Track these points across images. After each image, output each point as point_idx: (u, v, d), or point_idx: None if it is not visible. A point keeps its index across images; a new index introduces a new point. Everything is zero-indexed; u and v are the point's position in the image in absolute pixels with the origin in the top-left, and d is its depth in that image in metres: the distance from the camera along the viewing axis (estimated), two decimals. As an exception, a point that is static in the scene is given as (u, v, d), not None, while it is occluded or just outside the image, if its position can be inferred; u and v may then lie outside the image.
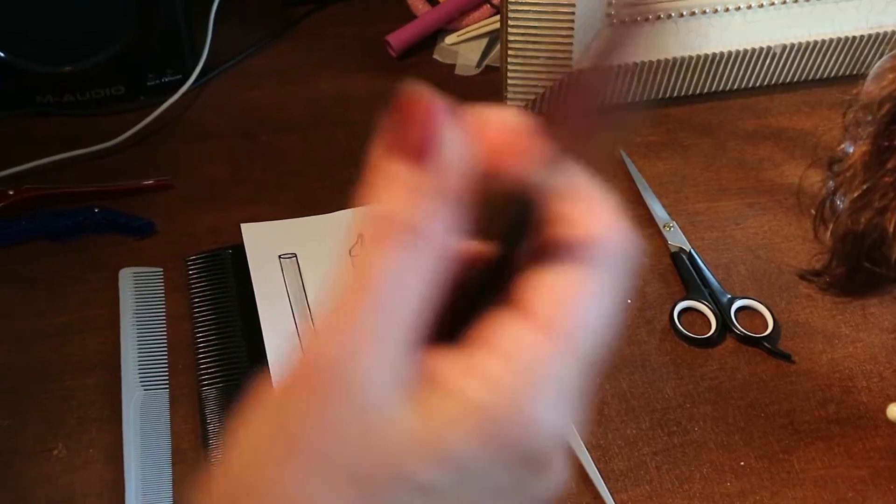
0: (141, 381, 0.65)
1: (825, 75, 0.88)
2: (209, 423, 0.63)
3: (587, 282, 0.27)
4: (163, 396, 0.65)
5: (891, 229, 0.46)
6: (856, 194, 0.48)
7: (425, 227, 0.26)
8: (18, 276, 0.72)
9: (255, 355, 0.67)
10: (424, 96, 0.27)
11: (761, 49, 0.85)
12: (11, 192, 0.76)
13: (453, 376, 0.26)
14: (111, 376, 0.66)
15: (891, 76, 0.46)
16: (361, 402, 0.25)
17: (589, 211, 0.28)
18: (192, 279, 0.71)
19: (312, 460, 0.25)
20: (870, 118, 0.48)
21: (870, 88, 0.48)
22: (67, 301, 0.71)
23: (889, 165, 0.46)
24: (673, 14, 0.83)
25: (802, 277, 0.55)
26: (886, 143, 0.47)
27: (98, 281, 0.72)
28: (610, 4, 0.81)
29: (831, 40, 0.85)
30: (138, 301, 0.70)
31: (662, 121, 0.87)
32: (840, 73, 0.89)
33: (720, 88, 0.88)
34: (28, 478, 0.61)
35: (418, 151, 0.26)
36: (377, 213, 0.27)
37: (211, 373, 0.65)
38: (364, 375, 0.25)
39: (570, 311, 0.27)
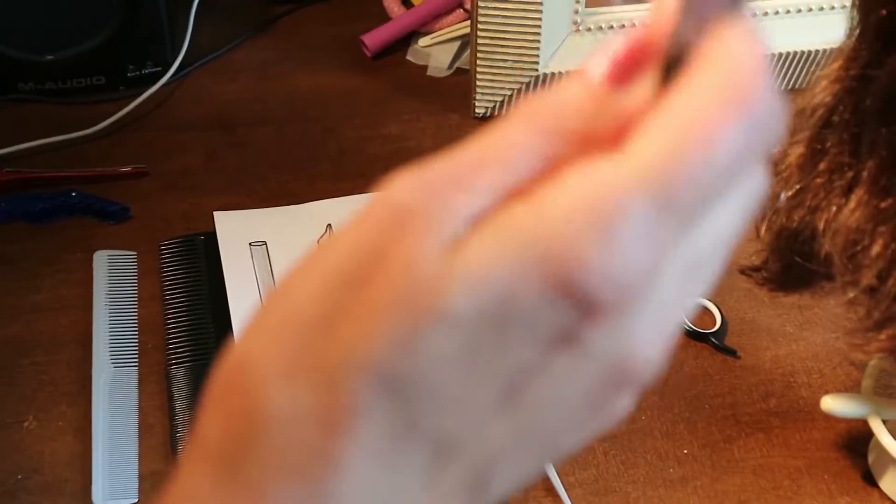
0: (111, 359, 0.67)
1: (804, 86, 0.91)
2: (176, 401, 0.65)
3: (697, 117, 0.23)
4: (132, 374, 0.67)
5: (821, 227, 0.49)
6: (790, 193, 0.51)
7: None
8: (-4, 256, 0.75)
9: (222, 337, 0.69)
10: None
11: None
12: (-9, 175, 0.78)
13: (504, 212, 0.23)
14: (83, 353, 0.68)
15: (824, 83, 0.49)
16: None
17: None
18: (165, 263, 0.74)
19: None
20: (805, 123, 0.51)
21: (805, 95, 0.51)
22: (42, 281, 0.73)
23: (820, 167, 0.50)
24: (637, 23, 0.86)
25: (742, 272, 0.58)
26: (819, 147, 0.50)
27: (73, 262, 0.74)
28: (577, 13, 0.84)
29: (809, 52, 0.88)
30: (111, 283, 0.72)
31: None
32: (796, 86, 0.92)
33: (682, 96, 0.91)
34: (-1, 447, 0.63)
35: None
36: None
37: (179, 353, 0.68)
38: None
39: (671, 149, 0.23)
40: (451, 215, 0.23)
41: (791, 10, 0.88)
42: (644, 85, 0.24)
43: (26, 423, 0.64)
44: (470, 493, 0.25)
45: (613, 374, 0.24)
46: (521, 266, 0.22)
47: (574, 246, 0.22)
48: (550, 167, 0.24)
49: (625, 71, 0.25)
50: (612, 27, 0.86)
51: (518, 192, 0.24)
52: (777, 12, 0.88)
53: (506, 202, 0.24)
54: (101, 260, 0.74)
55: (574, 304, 0.23)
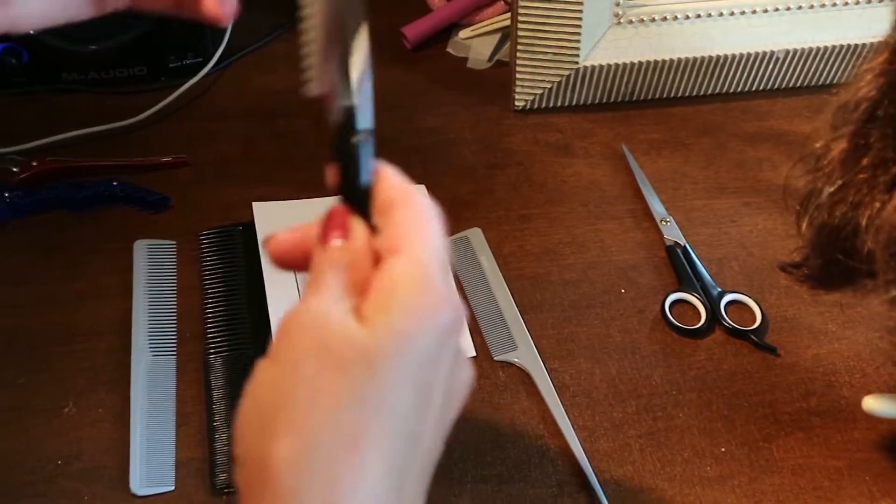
0: (150, 347, 0.68)
1: (827, 81, 0.90)
2: (213, 390, 0.65)
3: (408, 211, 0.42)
4: (170, 362, 0.67)
5: (863, 223, 0.48)
6: (832, 189, 0.50)
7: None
8: (38, 244, 0.76)
9: (259, 327, 0.69)
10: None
11: (764, 53, 0.87)
12: (35, 164, 0.79)
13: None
14: (122, 341, 0.69)
15: (868, 77, 0.48)
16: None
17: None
18: (204, 253, 0.74)
19: None
20: (848, 117, 0.50)
21: (849, 89, 0.50)
22: (83, 269, 0.74)
23: (864, 163, 0.49)
24: (679, 16, 0.85)
25: (782, 269, 0.57)
26: (862, 142, 0.49)
27: (113, 251, 0.75)
28: (618, 5, 0.84)
29: (833, 47, 0.87)
30: (151, 271, 0.73)
31: (665, 119, 0.89)
32: (841, 80, 0.91)
33: (723, 90, 0.91)
34: (39, 432, 0.64)
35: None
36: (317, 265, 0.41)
37: (217, 342, 0.68)
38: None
39: (411, 232, 0.41)
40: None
41: (837, 3, 0.87)
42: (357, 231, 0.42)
43: (66, 410, 0.65)
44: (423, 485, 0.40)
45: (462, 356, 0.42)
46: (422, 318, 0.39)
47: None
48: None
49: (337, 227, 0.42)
50: (653, 19, 0.85)
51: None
52: (823, 5, 0.86)
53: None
54: (141, 249, 0.74)
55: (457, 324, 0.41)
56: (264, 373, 0.39)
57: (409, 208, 0.42)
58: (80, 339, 0.69)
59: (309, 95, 0.44)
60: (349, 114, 0.42)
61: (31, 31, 0.54)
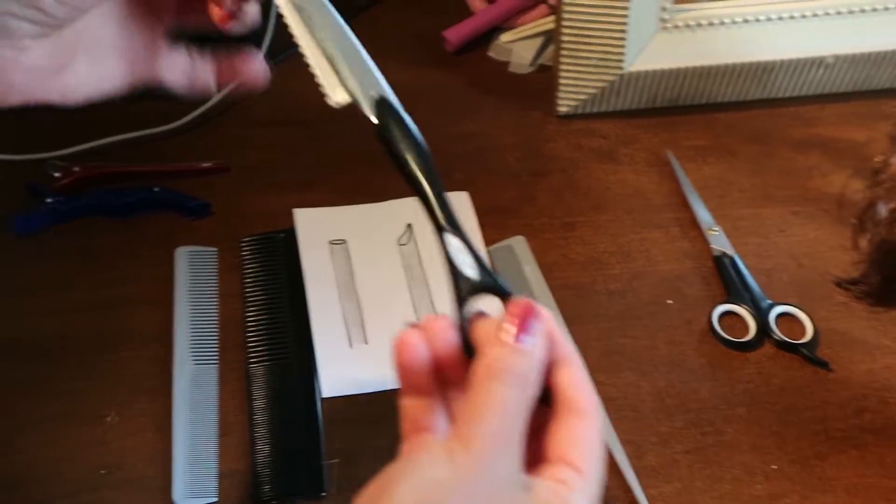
0: (192, 356, 0.67)
1: (878, 86, 0.88)
2: (255, 399, 0.65)
3: (592, 429, 0.41)
4: (212, 371, 0.67)
5: (928, 241, 0.47)
6: (892, 205, 0.49)
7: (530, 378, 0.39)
8: (79, 250, 0.75)
9: (301, 336, 0.69)
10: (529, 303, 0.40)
11: (814, 58, 0.86)
12: (77, 169, 0.79)
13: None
14: (164, 350, 0.68)
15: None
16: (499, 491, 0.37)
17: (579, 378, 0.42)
18: (245, 260, 0.74)
19: None
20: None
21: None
22: (124, 275, 0.73)
23: (930, 178, 0.47)
24: (726, 21, 0.84)
25: (839, 285, 0.56)
26: (928, 157, 0.47)
27: (154, 257, 0.74)
28: (664, 9, 0.82)
29: (886, 52, 0.86)
30: (193, 279, 0.72)
31: (711, 125, 0.88)
32: (893, 86, 0.89)
33: (770, 95, 0.89)
34: (82, 441, 0.63)
35: (524, 331, 0.39)
36: (503, 364, 0.39)
37: (258, 351, 0.68)
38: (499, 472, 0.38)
39: (592, 454, 0.41)
40: None
41: (890, 7, 0.85)
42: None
43: (108, 419, 0.64)
44: None
45: None
46: None
47: None
48: None
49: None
50: (700, 24, 0.83)
51: None
52: (875, 9, 0.85)
53: None
54: (183, 256, 0.74)
55: None
56: None
57: (589, 426, 0.41)
58: (123, 346, 0.69)
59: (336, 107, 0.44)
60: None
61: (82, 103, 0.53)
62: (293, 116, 0.88)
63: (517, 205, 0.80)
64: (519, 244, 0.76)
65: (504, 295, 0.42)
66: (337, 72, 0.45)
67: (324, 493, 0.61)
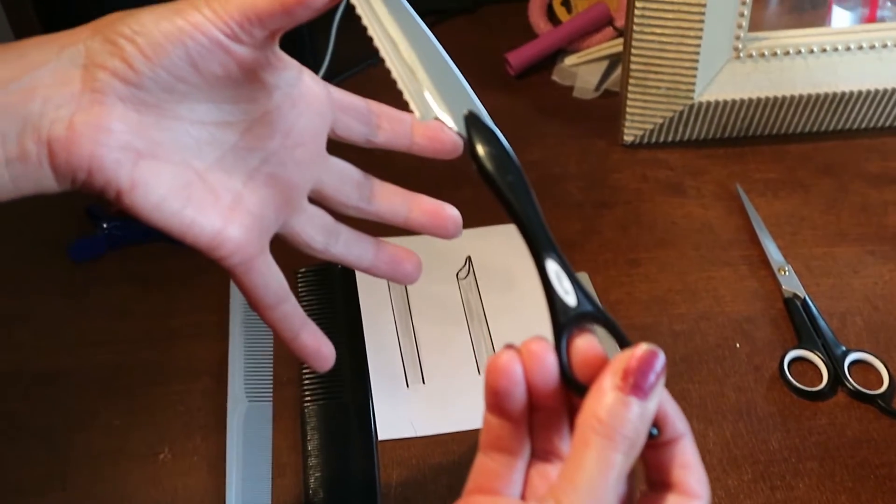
0: (246, 392, 0.66)
1: (959, 119, 0.85)
2: (309, 440, 0.63)
3: None
4: (266, 409, 0.66)
5: None
6: None
7: (638, 443, 0.36)
8: (134, 277, 0.75)
9: (357, 373, 0.67)
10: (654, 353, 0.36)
11: (892, 90, 0.82)
12: (133, 193, 0.78)
13: None
14: (217, 384, 0.67)
15: None
16: None
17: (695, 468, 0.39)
18: (301, 292, 0.72)
19: None
20: None
21: None
22: (180, 305, 0.72)
23: None
24: (803, 50, 0.81)
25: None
26: None
27: (210, 287, 0.73)
28: (738, 38, 0.79)
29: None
30: (248, 310, 0.71)
31: (782, 157, 0.85)
32: (976, 118, 0.86)
33: (845, 127, 0.86)
34: (134, 479, 0.62)
35: (643, 391, 0.36)
36: (611, 426, 0.36)
37: (313, 388, 0.66)
38: None
39: None
40: None
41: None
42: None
43: (161, 456, 0.63)
44: None
45: None
46: None
47: None
48: None
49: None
50: (775, 54, 0.80)
51: None
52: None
53: None
54: (238, 286, 0.72)
55: None
56: None
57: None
58: (176, 379, 0.68)
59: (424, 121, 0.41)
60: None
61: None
62: (352, 140, 0.86)
63: (581, 238, 0.77)
64: (583, 280, 0.73)
65: (606, 323, 0.39)
66: (424, 84, 0.41)
67: (379, 542, 0.59)
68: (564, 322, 0.39)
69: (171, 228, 0.43)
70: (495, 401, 0.39)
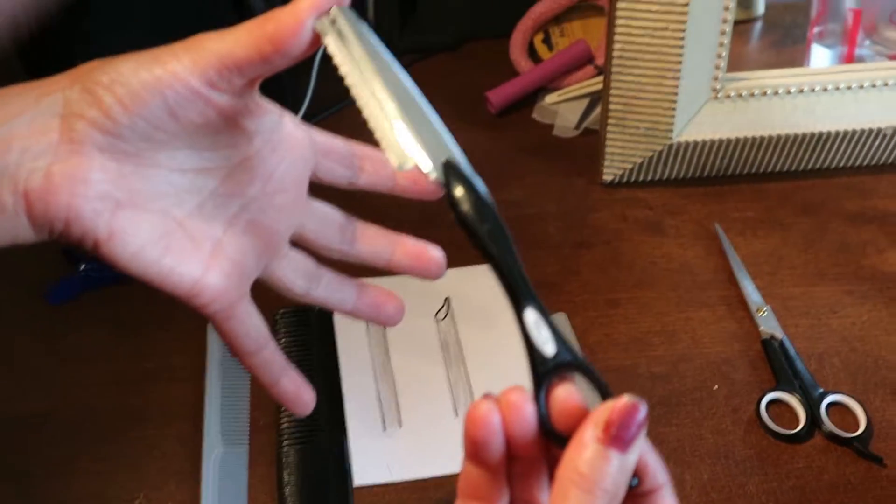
0: (222, 436, 0.66)
1: (937, 158, 0.85)
2: (286, 486, 0.63)
3: None
4: (242, 454, 0.65)
5: None
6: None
7: (618, 495, 0.36)
8: (110, 319, 0.74)
9: (334, 416, 0.67)
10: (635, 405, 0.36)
11: (871, 129, 0.83)
12: (111, 233, 0.78)
13: None
14: (194, 428, 0.67)
15: None
16: None
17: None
18: (279, 334, 0.72)
19: None
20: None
21: None
22: (155, 348, 0.72)
23: None
24: (781, 90, 0.81)
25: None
26: None
27: (188, 329, 0.73)
28: (716, 78, 0.80)
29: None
30: (225, 352, 0.71)
31: (762, 196, 0.85)
32: (953, 157, 0.86)
33: (824, 166, 0.86)
34: (108, 527, 0.62)
35: (624, 443, 0.35)
36: (591, 479, 0.35)
37: (291, 433, 0.66)
38: None
39: None
40: None
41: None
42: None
43: (137, 502, 0.63)
44: None
45: None
46: None
47: None
48: None
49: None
50: (753, 94, 0.81)
51: None
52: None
53: None
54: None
55: None
56: None
57: None
58: (152, 423, 0.67)
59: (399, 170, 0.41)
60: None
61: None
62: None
63: (560, 278, 0.77)
64: (561, 322, 0.73)
65: (586, 372, 0.39)
66: (402, 133, 0.41)
67: (353, 591, 0.59)
68: (543, 372, 0.38)
69: (150, 277, 0.43)
70: (474, 450, 0.38)
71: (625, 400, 0.36)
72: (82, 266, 0.75)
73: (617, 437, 0.35)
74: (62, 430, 0.67)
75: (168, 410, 0.68)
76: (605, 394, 0.38)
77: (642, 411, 0.36)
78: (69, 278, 0.75)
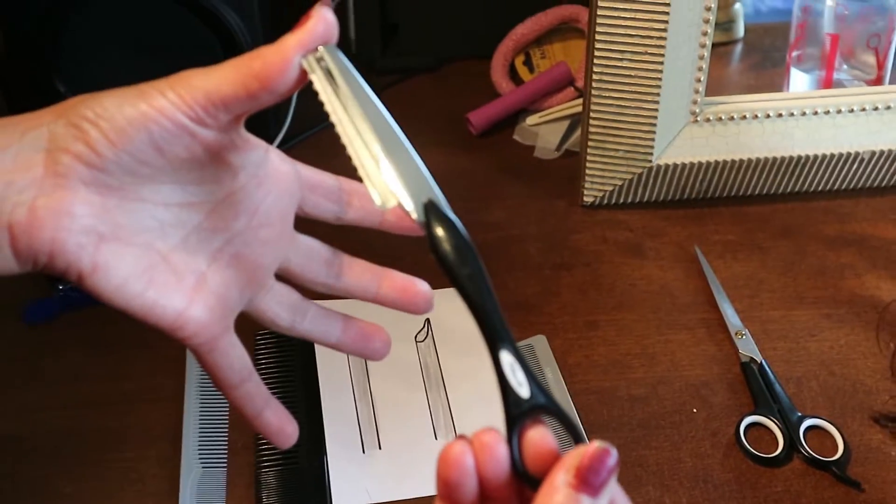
0: (200, 458, 0.65)
1: (914, 182, 0.86)
2: (263, 509, 0.63)
3: None
4: (220, 475, 0.65)
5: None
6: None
7: None
8: (89, 340, 0.74)
9: (314, 440, 0.67)
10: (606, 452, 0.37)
11: (849, 154, 0.83)
12: (90, 253, 0.77)
13: None
14: (171, 450, 0.66)
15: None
16: None
17: None
18: (259, 356, 0.72)
19: None
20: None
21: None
22: (134, 369, 0.72)
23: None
24: (759, 115, 0.82)
25: (877, 421, 0.53)
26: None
27: (167, 350, 0.72)
28: (695, 102, 0.80)
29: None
30: (204, 375, 0.70)
31: (741, 219, 0.85)
32: (930, 182, 0.87)
33: (803, 189, 0.87)
34: (83, 550, 0.61)
35: (594, 488, 0.36)
36: None
37: (269, 454, 0.66)
38: None
39: None
40: None
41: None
42: None
43: (112, 525, 0.63)
44: None
45: None
46: None
47: None
48: None
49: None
50: (732, 118, 0.81)
51: None
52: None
53: None
54: (195, 349, 0.72)
55: None
56: None
57: None
58: (129, 446, 0.67)
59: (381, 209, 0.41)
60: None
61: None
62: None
63: (540, 301, 0.78)
64: (540, 344, 0.74)
65: (559, 416, 0.39)
66: (385, 171, 0.41)
67: None
68: (517, 413, 0.39)
69: (134, 310, 0.43)
70: (447, 491, 0.38)
71: (596, 445, 0.36)
72: (60, 287, 0.75)
73: (587, 481, 0.36)
74: (38, 453, 0.67)
75: (146, 432, 0.68)
76: (578, 438, 0.39)
77: (613, 457, 0.36)
78: (47, 299, 0.75)
